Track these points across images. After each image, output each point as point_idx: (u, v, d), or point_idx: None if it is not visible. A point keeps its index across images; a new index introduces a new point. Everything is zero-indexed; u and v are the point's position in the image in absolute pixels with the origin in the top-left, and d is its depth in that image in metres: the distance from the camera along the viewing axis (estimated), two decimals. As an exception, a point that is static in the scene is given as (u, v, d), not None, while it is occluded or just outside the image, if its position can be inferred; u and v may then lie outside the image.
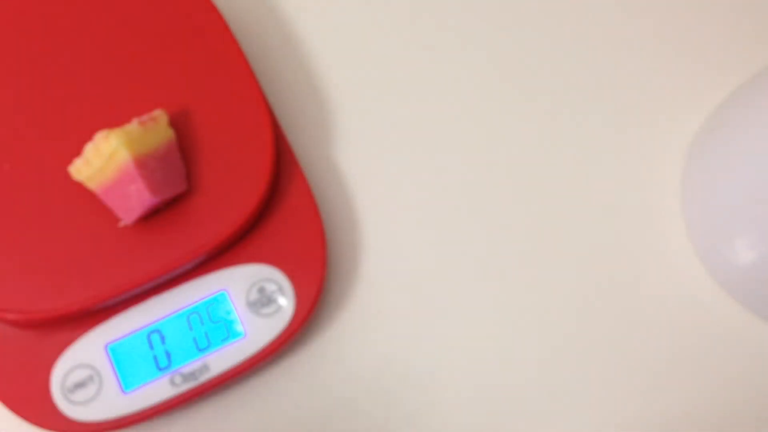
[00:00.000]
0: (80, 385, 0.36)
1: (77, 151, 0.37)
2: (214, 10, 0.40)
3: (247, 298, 0.38)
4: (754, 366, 0.40)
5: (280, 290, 0.38)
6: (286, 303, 0.38)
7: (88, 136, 0.37)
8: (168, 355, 0.37)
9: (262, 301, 0.38)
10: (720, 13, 0.46)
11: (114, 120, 0.37)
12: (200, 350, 0.37)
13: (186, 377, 0.37)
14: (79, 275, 0.36)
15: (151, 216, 0.37)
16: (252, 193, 0.38)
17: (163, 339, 0.37)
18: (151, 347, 0.37)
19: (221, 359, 0.37)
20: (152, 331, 0.37)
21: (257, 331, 0.38)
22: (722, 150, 0.41)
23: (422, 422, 0.39)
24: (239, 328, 0.38)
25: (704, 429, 0.39)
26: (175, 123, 0.38)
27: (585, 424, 0.39)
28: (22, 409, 0.36)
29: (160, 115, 0.37)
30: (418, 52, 0.45)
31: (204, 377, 0.37)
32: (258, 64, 0.42)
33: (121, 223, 0.37)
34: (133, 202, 0.36)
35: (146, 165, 0.36)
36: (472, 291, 0.41)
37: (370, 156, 0.43)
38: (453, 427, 0.39)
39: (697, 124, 0.44)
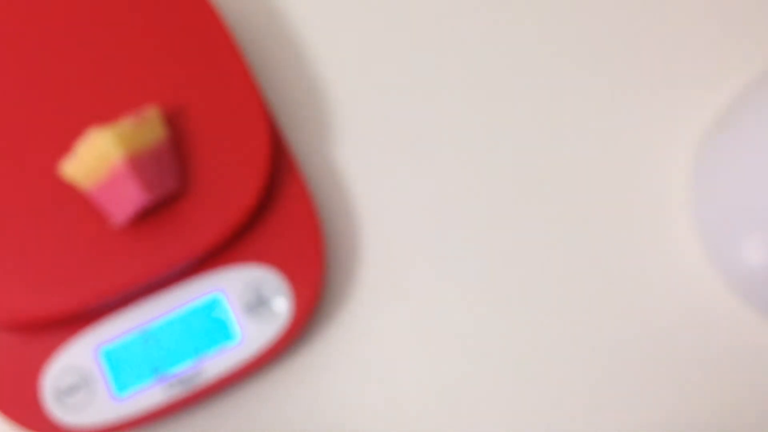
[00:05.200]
0: (71, 389, 0.36)
1: (68, 150, 0.37)
2: (210, 8, 0.40)
3: (243, 300, 0.37)
4: (766, 369, 0.40)
5: (278, 292, 0.38)
6: (283, 305, 0.37)
7: (79, 134, 0.36)
8: (161, 359, 0.37)
9: (258, 304, 0.37)
10: (731, 8, 0.46)
11: (106, 118, 0.37)
12: (195, 354, 0.37)
13: (180, 382, 0.36)
14: (70, 276, 0.36)
15: (145, 215, 0.37)
16: (248, 192, 0.37)
17: (156, 342, 0.37)
18: (144, 351, 0.37)
19: (216, 364, 0.37)
20: (145, 334, 0.37)
21: (253, 335, 0.37)
22: (732, 148, 0.41)
23: (421, 427, 0.39)
24: (235, 331, 0.37)
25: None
26: (170, 121, 0.38)
27: (590, 426, 0.39)
28: (11, 413, 0.36)
29: (154, 113, 0.37)
30: (417, 51, 0.44)
31: (198, 382, 0.36)
32: (255, 62, 0.42)
33: (114, 223, 0.36)
34: (125, 201, 0.36)
35: (139, 163, 0.36)
36: (472, 292, 0.40)
37: (370, 156, 0.42)
38: (452, 431, 0.38)
39: (707, 122, 0.43)
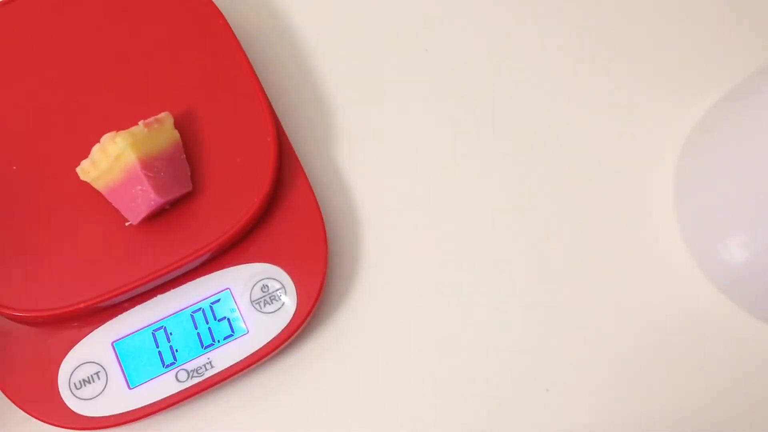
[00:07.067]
0: (87, 381, 0.37)
1: (84, 153, 0.37)
2: (218, 14, 0.41)
3: (251, 296, 0.38)
4: (749, 364, 0.41)
5: (283, 288, 0.39)
6: (288, 301, 0.39)
7: (95, 138, 0.37)
8: (173, 351, 0.38)
9: (265, 299, 0.38)
10: (713, 16, 0.47)
11: (120, 122, 0.38)
12: (204, 347, 0.38)
13: (190, 373, 0.38)
14: (86, 274, 0.37)
15: (157, 216, 0.38)
16: (255, 193, 0.38)
17: (168, 336, 0.38)
18: (157, 344, 0.38)
19: (225, 356, 0.38)
20: (158, 329, 0.38)
21: (260, 329, 0.38)
22: (715, 151, 0.42)
23: (420, 420, 0.39)
24: (242, 325, 0.38)
25: (700, 428, 0.40)
26: (179, 125, 0.39)
27: (578, 424, 0.39)
28: (29, 405, 0.37)
29: (166, 117, 0.38)
30: (418, 53, 0.46)
31: (208, 373, 0.38)
32: (260, 66, 0.43)
33: (128, 223, 0.37)
34: (139, 202, 0.37)
35: (152, 166, 0.37)
36: (470, 291, 0.41)
37: (372, 156, 0.43)
38: (451, 424, 0.39)
39: (690, 126, 0.44)
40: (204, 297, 0.38)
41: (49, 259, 0.37)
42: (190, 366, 0.38)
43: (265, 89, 0.40)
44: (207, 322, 0.38)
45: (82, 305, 0.36)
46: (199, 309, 0.38)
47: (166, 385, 0.37)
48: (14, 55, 0.40)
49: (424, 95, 0.45)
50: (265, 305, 0.38)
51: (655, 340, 0.41)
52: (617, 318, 0.41)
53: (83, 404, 0.37)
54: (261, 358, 0.38)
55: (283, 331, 0.38)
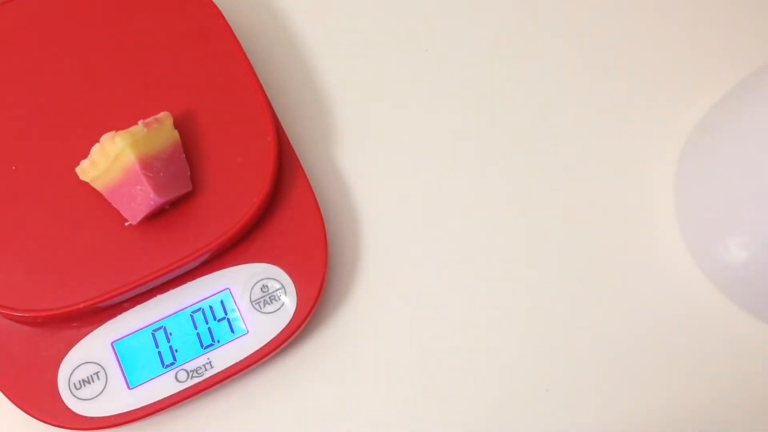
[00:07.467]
0: (87, 381, 0.37)
1: (84, 153, 0.37)
2: (218, 15, 0.41)
3: (250, 296, 0.39)
4: (749, 364, 0.41)
5: (283, 288, 0.39)
6: (288, 301, 0.39)
7: (94, 138, 0.37)
8: (173, 351, 0.38)
9: (264, 299, 0.39)
10: (713, 16, 0.47)
11: (120, 122, 0.38)
12: (204, 347, 0.38)
13: (190, 374, 0.38)
14: (85, 274, 0.37)
15: (156, 216, 0.38)
16: (255, 193, 0.38)
17: (168, 336, 0.38)
18: (157, 344, 0.38)
19: (224, 356, 0.38)
20: (157, 329, 0.38)
21: (260, 329, 0.38)
22: (715, 151, 0.42)
23: (420, 420, 0.39)
24: (242, 325, 0.38)
25: (700, 428, 0.40)
26: (179, 125, 0.39)
27: (578, 424, 0.40)
28: (29, 405, 0.37)
29: (166, 117, 0.38)
30: (418, 54, 0.46)
31: (208, 374, 0.38)
32: (260, 67, 0.43)
33: (127, 223, 0.37)
34: (138, 202, 0.37)
35: (151, 166, 0.37)
36: (470, 291, 0.41)
37: (372, 157, 0.43)
38: (451, 424, 0.39)
39: (691, 126, 0.44)
40: (204, 297, 0.38)
41: (49, 260, 0.37)
42: (189, 366, 0.38)
43: (265, 89, 0.40)
44: (207, 323, 0.38)
45: (82, 305, 0.36)
46: (199, 309, 0.38)
47: (165, 385, 0.37)
48: (14, 55, 0.40)
49: (424, 95, 0.45)
50: (265, 305, 0.39)
51: (655, 340, 0.41)
52: (617, 318, 0.41)
53: (83, 404, 0.37)
54: (261, 358, 0.38)
55: (283, 331, 0.38)
